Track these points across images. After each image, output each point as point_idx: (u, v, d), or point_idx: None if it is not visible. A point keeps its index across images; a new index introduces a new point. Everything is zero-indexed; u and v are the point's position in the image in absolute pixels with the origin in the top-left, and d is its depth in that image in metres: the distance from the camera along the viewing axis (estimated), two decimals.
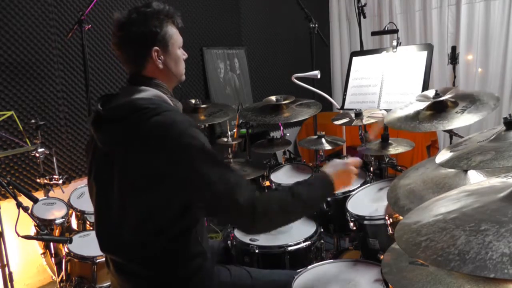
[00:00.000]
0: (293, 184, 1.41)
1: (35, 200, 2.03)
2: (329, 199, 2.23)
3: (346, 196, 2.16)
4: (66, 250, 2.19)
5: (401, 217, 1.61)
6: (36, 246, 2.45)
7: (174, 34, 1.41)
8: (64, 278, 2.23)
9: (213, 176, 1.23)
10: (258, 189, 2.53)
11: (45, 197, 2.60)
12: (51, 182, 2.66)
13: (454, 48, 4.60)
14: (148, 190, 1.26)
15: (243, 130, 3.07)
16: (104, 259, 2.06)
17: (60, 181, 2.62)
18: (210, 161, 1.25)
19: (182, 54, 1.46)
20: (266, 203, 1.28)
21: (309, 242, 1.97)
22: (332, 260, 1.75)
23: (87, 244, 2.20)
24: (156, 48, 1.37)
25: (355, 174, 1.54)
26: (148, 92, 1.35)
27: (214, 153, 1.27)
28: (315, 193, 1.42)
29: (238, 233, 2.01)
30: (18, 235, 1.88)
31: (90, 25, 2.82)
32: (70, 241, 1.92)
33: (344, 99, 2.79)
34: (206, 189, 1.24)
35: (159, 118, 1.26)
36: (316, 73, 2.85)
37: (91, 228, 2.44)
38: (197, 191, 1.26)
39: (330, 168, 1.50)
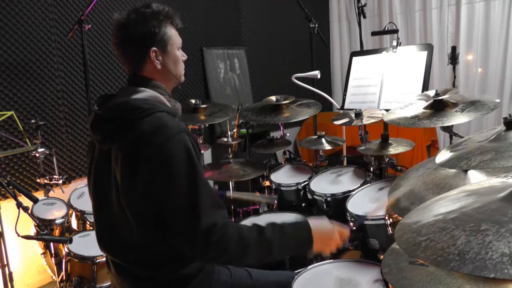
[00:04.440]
0: (267, 226, 1.30)
1: (35, 200, 2.03)
2: (329, 199, 2.23)
3: (346, 196, 2.16)
4: (66, 250, 2.19)
5: (400, 217, 1.61)
6: (36, 246, 2.45)
7: (173, 35, 1.41)
8: (64, 278, 2.23)
9: (183, 189, 1.21)
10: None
11: (45, 197, 2.60)
12: (51, 182, 2.66)
13: (454, 48, 4.60)
14: (135, 191, 1.25)
15: (243, 130, 3.08)
16: (104, 259, 2.07)
17: (60, 181, 2.62)
18: (187, 174, 1.22)
19: (181, 55, 1.46)
20: (226, 238, 1.21)
21: None
22: (332, 260, 1.75)
23: (87, 244, 2.20)
24: (154, 48, 1.37)
25: (336, 245, 1.41)
26: (145, 93, 1.35)
27: (195, 168, 1.23)
28: (286, 245, 1.31)
29: None
30: (18, 235, 1.88)
31: (90, 25, 2.82)
32: (70, 241, 1.92)
33: (344, 99, 2.79)
34: (172, 200, 1.21)
35: (150, 119, 1.26)
36: (316, 73, 2.85)
37: (91, 228, 2.44)
38: (164, 200, 1.22)
39: (318, 223, 1.39)
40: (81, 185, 2.70)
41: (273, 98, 2.61)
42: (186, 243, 1.23)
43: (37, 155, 2.61)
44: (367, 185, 2.20)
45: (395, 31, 3.09)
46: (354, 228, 1.94)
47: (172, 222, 1.22)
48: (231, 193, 1.55)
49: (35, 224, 2.13)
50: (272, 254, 1.30)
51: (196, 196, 1.21)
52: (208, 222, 1.20)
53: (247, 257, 1.26)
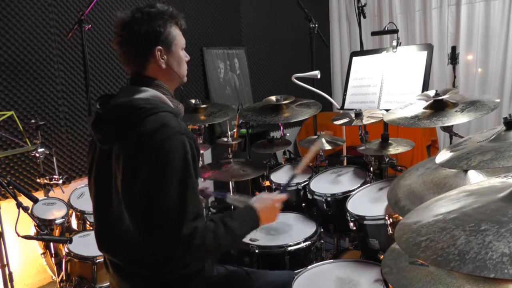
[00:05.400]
0: (225, 216, 1.36)
1: (35, 200, 2.03)
2: (329, 199, 2.23)
3: (346, 196, 2.16)
4: (66, 250, 2.19)
5: (401, 217, 1.61)
6: (36, 246, 2.45)
7: (177, 35, 1.41)
8: (64, 278, 2.23)
9: (174, 190, 1.21)
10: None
11: (45, 197, 2.60)
12: (51, 182, 2.66)
13: (454, 48, 4.60)
14: (133, 189, 1.25)
15: (243, 130, 3.07)
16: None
17: (60, 181, 2.62)
18: (180, 175, 1.22)
19: (184, 56, 1.46)
20: (206, 242, 1.23)
21: (309, 242, 1.98)
22: (332, 260, 1.75)
23: (87, 244, 2.20)
24: (160, 47, 1.37)
25: (279, 211, 1.52)
26: (147, 93, 1.35)
27: (189, 171, 1.24)
28: (245, 228, 1.39)
29: None
30: (18, 235, 1.88)
31: (90, 25, 2.82)
32: (70, 241, 1.92)
33: (344, 99, 2.79)
34: (162, 199, 1.21)
35: (152, 118, 1.27)
36: (316, 73, 2.85)
37: (91, 228, 2.44)
38: (154, 197, 1.21)
39: (258, 203, 1.45)
40: (81, 185, 2.70)
41: (273, 98, 2.61)
42: (169, 243, 1.22)
43: (37, 155, 2.61)
44: (367, 185, 2.20)
45: (395, 31, 3.09)
46: (355, 228, 1.95)
47: (157, 221, 1.22)
48: (231, 197, 1.58)
49: (35, 224, 2.13)
50: (235, 240, 1.38)
51: (184, 199, 1.21)
52: (190, 227, 1.20)
53: (220, 251, 1.36)
